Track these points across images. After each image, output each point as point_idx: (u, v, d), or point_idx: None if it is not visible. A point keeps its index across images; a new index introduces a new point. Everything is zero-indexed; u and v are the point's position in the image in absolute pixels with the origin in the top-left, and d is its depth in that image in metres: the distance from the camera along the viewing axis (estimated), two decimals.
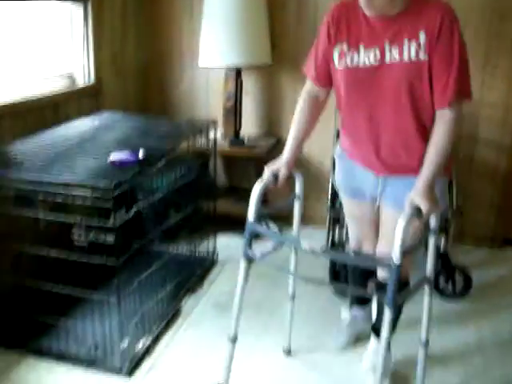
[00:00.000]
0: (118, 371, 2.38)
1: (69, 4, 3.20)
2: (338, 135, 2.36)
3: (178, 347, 2.58)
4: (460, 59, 1.75)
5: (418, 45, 1.75)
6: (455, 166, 3.10)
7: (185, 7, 3.77)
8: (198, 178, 3.22)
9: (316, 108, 2.13)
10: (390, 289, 1.69)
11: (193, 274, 3.14)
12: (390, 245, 1.70)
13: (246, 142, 3.65)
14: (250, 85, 3.76)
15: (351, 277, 2.47)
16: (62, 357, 2.45)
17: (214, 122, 3.31)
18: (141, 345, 2.53)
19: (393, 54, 1.79)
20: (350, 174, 2.17)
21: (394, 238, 1.68)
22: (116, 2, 3.56)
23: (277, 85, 3.73)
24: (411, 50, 1.76)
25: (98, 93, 3.42)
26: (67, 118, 3.11)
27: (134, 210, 2.40)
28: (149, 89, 3.98)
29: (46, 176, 2.24)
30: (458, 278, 2.98)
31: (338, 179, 2.26)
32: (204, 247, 3.34)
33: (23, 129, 2.81)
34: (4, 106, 2.72)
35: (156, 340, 2.61)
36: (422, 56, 1.75)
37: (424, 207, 1.72)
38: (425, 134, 1.88)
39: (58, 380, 2.35)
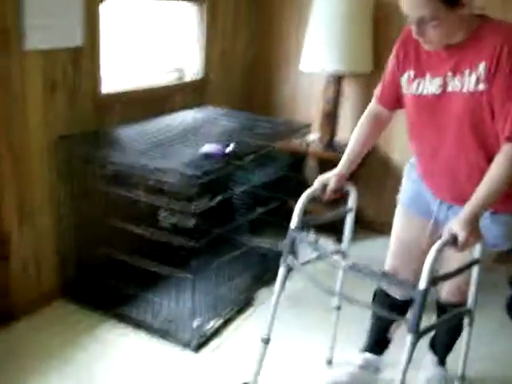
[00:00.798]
0: (186, 346, 2.57)
1: (185, 4, 3.44)
2: None
3: (245, 333, 2.73)
4: None
5: (478, 75, 1.70)
6: None
7: (294, 14, 3.91)
8: (288, 177, 3.35)
9: (377, 126, 2.12)
10: (414, 314, 1.64)
11: (270, 268, 3.28)
12: (458, 285, 1.82)
13: (340, 146, 3.73)
14: (349, 91, 3.84)
15: (376, 317, 2.37)
16: (138, 325, 2.69)
17: (310, 125, 3.43)
18: (211, 325, 2.70)
19: (455, 84, 1.76)
20: (416, 190, 2.11)
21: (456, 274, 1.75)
22: (229, 4, 3.77)
23: None
24: (471, 80, 1.71)
25: (204, 87, 3.65)
26: (173, 109, 3.37)
27: (217, 198, 2.58)
28: (253, 87, 4.17)
29: (142, 160, 2.49)
30: None
31: (403, 193, 2.20)
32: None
33: (132, 116, 3.09)
34: (117, 93, 3.01)
35: (225, 323, 2.78)
36: (482, 87, 1.70)
37: (461, 236, 1.65)
38: (487, 165, 1.79)
39: (132, 344, 2.59)
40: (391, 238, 2.24)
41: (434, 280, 1.64)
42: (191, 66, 3.59)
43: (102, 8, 2.76)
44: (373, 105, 2.11)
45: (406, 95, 1.93)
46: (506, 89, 1.66)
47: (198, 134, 2.96)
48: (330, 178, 2.05)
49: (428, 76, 1.83)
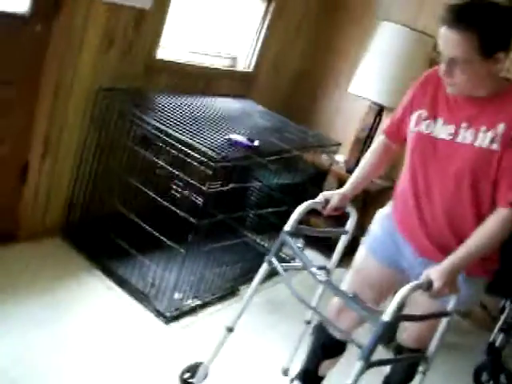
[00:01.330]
0: (160, 314, 2.67)
1: None
2: None
3: (219, 319, 2.79)
4: None
5: (494, 134, 1.70)
6: None
7: (356, 36, 3.98)
8: (306, 187, 3.43)
9: (385, 157, 2.13)
10: (370, 342, 1.63)
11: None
12: (419, 332, 1.87)
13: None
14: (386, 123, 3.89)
15: (311, 348, 2.32)
16: (123, 281, 2.79)
17: (340, 145, 3.51)
18: (189, 302, 2.79)
19: (466, 136, 1.75)
20: (386, 237, 2.06)
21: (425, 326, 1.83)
22: (298, 7, 3.86)
23: None
24: (486, 138, 1.71)
25: (251, 81, 3.76)
26: (217, 93, 3.47)
27: (230, 185, 2.67)
28: (297, 95, 4.25)
29: (173, 130, 2.60)
30: (502, 379, 2.93)
31: (370, 237, 2.14)
32: (285, 250, 3.53)
33: (178, 87, 3.20)
34: (170, 61, 3.12)
35: (204, 305, 2.87)
36: (495, 147, 1.70)
37: (436, 285, 1.66)
38: (473, 224, 1.79)
39: (111, 298, 2.70)
40: (350, 271, 2.19)
41: (399, 317, 1.65)
42: (244, 57, 3.69)
43: None
44: (382, 137, 2.12)
45: (412, 132, 1.90)
46: None
47: (231, 123, 3.06)
48: (334, 195, 2.07)
49: (440, 121, 1.82)
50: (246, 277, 3.18)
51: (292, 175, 3.44)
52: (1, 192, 2.68)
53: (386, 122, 2.13)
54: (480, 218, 1.77)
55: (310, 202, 2.03)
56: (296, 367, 2.48)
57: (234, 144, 2.67)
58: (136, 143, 2.80)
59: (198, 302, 2.85)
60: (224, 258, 3.06)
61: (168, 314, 2.66)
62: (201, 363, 2.21)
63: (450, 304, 1.82)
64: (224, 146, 2.62)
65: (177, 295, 2.73)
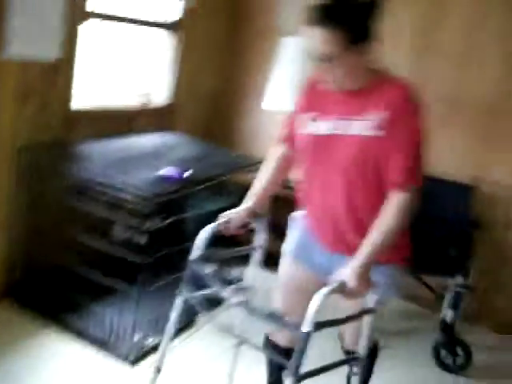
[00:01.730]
0: (124, 358, 2.67)
1: (159, 34, 3.62)
2: None
3: (183, 352, 2.84)
4: (414, 144, 1.76)
5: (375, 122, 1.75)
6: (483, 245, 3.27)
7: (264, 51, 4.10)
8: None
9: (287, 164, 2.11)
10: (295, 357, 1.60)
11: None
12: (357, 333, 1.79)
13: (294, 184, 3.89)
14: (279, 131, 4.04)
15: (268, 367, 2.29)
16: (80, 333, 2.77)
17: (261, 162, 3.60)
18: (150, 340, 2.80)
19: (350, 127, 1.80)
20: (301, 239, 2.09)
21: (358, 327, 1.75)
22: (204, 36, 3.95)
23: None
24: (368, 126, 1.77)
25: (169, 113, 3.81)
26: (138, 131, 3.51)
27: (169, 219, 2.71)
28: (217, 117, 4.34)
29: (101, 176, 2.62)
30: (460, 352, 3.09)
31: (289, 242, 2.14)
32: (233, 273, 3.59)
33: (97, 133, 3.21)
34: (85, 109, 3.14)
35: None
36: (378, 133, 1.75)
37: (350, 284, 1.67)
38: (375, 212, 1.80)
39: (71, 352, 2.67)
40: (279, 287, 2.18)
41: (319, 325, 1.61)
42: (158, 91, 3.74)
43: (81, 28, 2.90)
44: (278, 145, 2.12)
45: (301, 135, 1.94)
46: (401, 140, 1.75)
47: (157, 158, 3.10)
48: (233, 213, 2.03)
49: (324, 118, 1.87)
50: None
51: (225, 198, 3.51)
52: None
53: (278, 131, 2.13)
54: (376, 207, 1.79)
55: (211, 225, 1.98)
56: None
57: (164, 179, 2.72)
58: (67, 195, 2.80)
59: (160, 339, 2.85)
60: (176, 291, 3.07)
61: (132, 357, 2.66)
62: None
63: (370, 300, 1.80)
64: (155, 183, 2.66)
65: (136, 337, 2.73)
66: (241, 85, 4.25)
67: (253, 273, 2.24)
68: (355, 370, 1.92)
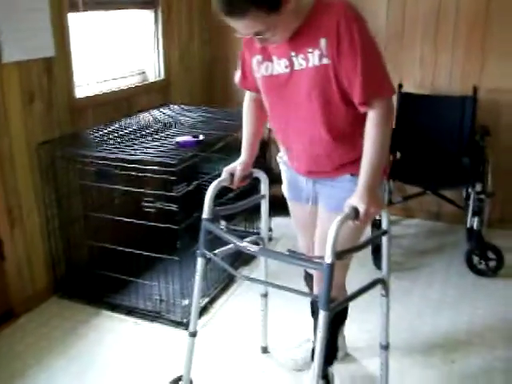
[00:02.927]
0: (178, 325, 2.78)
1: (141, 11, 3.65)
2: None
3: (230, 309, 2.95)
4: (364, 57, 1.68)
5: (320, 51, 1.72)
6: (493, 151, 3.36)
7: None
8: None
9: (260, 107, 2.07)
10: (323, 290, 1.64)
11: None
12: (323, 247, 1.68)
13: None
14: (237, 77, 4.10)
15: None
16: (131, 310, 2.88)
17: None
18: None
19: (300, 62, 1.78)
20: (290, 177, 2.16)
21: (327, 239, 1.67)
22: (182, 7, 3.98)
23: None
24: (315, 57, 1.74)
25: (167, 87, 3.86)
26: (141, 109, 3.57)
27: (194, 183, 2.79)
28: (212, 84, 4.40)
29: (122, 154, 2.69)
30: (492, 256, 3.21)
31: (284, 184, 2.22)
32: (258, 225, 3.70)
33: (103, 117, 3.28)
34: (88, 97, 3.20)
35: (212, 301, 3.00)
36: (325, 60, 1.72)
37: (361, 208, 1.69)
38: (341, 138, 1.86)
39: (128, 329, 2.78)
40: (294, 226, 2.30)
41: (340, 254, 1.64)
42: (153, 68, 3.79)
43: (69, 20, 2.94)
44: (246, 93, 2.14)
45: (258, 78, 1.94)
46: (350, 58, 1.69)
47: (167, 129, 3.18)
48: (236, 167, 2.10)
49: (275, 58, 1.84)
50: (238, 261, 3.34)
51: (237, 157, 3.58)
52: None
53: (236, 77, 2.11)
54: (347, 132, 1.84)
55: (216, 182, 2.05)
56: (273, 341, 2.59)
57: (182, 145, 2.79)
58: (92, 180, 2.88)
59: (207, 300, 2.97)
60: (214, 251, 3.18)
61: (185, 321, 2.77)
62: (181, 376, 2.25)
63: (384, 222, 1.88)
64: (174, 151, 2.74)
65: (186, 301, 2.84)
66: (231, 49, 4.28)
67: (265, 221, 2.33)
68: (382, 292, 1.99)
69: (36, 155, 2.83)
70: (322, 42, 1.71)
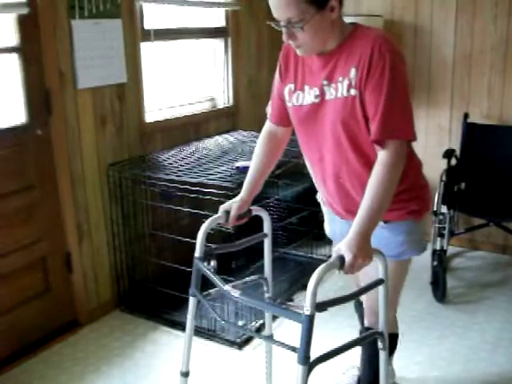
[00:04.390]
0: (232, 344, 2.85)
1: (212, 40, 3.83)
2: None
3: (283, 331, 2.99)
4: (389, 95, 1.61)
5: (350, 80, 1.66)
6: None
7: None
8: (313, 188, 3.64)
9: (274, 145, 2.01)
10: (301, 342, 1.46)
11: (306, 273, 3.54)
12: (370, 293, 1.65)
13: None
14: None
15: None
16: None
17: None
18: (252, 324, 2.98)
19: (331, 92, 1.71)
20: (329, 216, 2.08)
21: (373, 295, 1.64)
22: (252, 36, 4.12)
23: None
24: (344, 87, 1.67)
25: (234, 114, 4.00)
26: (208, 134, 3.72)
27: (253, 206, 2.87)
28: None
29: (185, 176, 2.82)
30: None
31: (325, 221, 2.15)
32: (322, 251, 3.74)
33: (171, 141, 3.44)
34: (157, 122, 3.37)
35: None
36: (353, 92, 1.65)
37: (348, 258, 1.51)
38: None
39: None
40: None
41: (321, 306, 1.47)
42: (221, 95, 3.94)
43: (141, 48, 3.14)
44: (267, 124, 2.03)
45: (289, 108, 1.86)
46: (376, 93, 1.62)
47: (231, 154, 3.29)
48: (233, 204, 1.96)
49: (307, 88, 1.78)
50: (295, 286, 3.38)
51: (300, 182, 3.65)
52: (55, 285, 2.90)
53: (267, 108, 2.04)
54: (371, 167, 1.69)
55: (210, 219, 1.93)
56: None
57: (242, 170, 2.89)
58: (157, 201, 3.03)
59: (261, 321, 3.02)
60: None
61: (239, 341, 2.84)
62: None
63: (381, 270, 1.66)
64: (235, 175, 2.84)
65: (240, 322, 2.91)
66: None
67: (268, 262, 2.12)
68: (380, 345, 1.75)
69: (105, 175, 3.02)
70: (352, 71, 1.66)
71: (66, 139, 2.80)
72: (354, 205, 1.73)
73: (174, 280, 3.06)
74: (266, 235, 2.07)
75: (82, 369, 2.68)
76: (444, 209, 3.31)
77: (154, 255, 3.14)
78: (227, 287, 1.72)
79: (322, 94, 1.74)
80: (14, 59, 2.61)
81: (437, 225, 3.34)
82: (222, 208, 1.96)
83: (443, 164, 3.43)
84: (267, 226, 2.07)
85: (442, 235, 3.32)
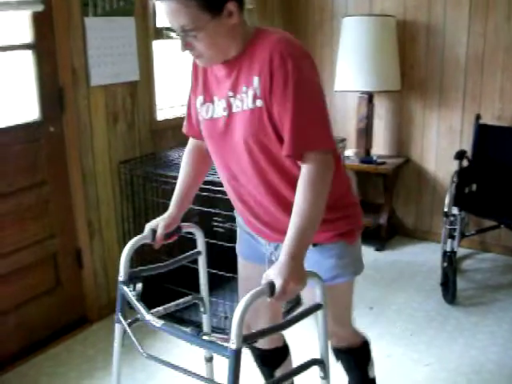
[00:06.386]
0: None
1: None
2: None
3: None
4: (297, 106, 1.44)
5: (254, 90, 1.48)
6: None
7: (325, 40, 4.24)
8: None
9: (200, 157, 1.84)
10: (228, 380, 1.35)
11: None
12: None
13: (375, 160, 3.99)
14: (380, 108, 4.12)
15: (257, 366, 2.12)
16: (198, 325, 2.95)
17: (345, 140, 3.73)
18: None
19: (237, 104, 1.53)
20: (245, 235, 1.88)
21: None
22: None
23: (406, 109, 4.05)
24: (249, 97, 1.50)
25: None
26: None
27: None
28: None
29: None
30: None
31: (238, 241, 1.96)
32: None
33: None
34: (168, 120, 3.39)
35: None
36: (259, 103, 1.48)
37: (278, 284, 1.36)
38: (295, 186, 1.51)
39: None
40: (239, 288, 2.03)
41: (248, 338, 1.37)
42: None
43: (154, 47, 3.15)
44: (190, 139, 1.88)
45: (201, 122, 1.69)
46: (282, 103, 1.45)
47: None
48: (160, 222, 1.80)
49: (216, 99, 1.61)
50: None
51: None
52: (66, 281, 2.92)
53: (184, 123, 1.86)
54: (294, 181, 1.52)
55: (135, 239, 1.78)
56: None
57: None
58: (167, 199, 3.03)
59: None
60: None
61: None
62: None
63: (318, 295, 1.49)
64: None
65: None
66: None
67: (205, 282, 2.04)
68: (321, 374, 1.54)
69: (117, 172, 3.03)
70: (255, 80, 1.48)
71: (79, 136, 2.82)
72: (279, 224, 1.62)
73: (183, 278, 3.06)
74: (199, 253, 1.97)
75: (92, 366, 2.70)
76: (455, 210, 3.30)
77: (164, 253, 3.14)
78: (149, 317, 1.60)
79: (229, 106, 1.56)
80: (29, 56, 2.63)
81: (447, 226, 3.33)
82: (148, 226, 1.82)
83: (454, 165, 3.42)
84: (200, 243, 1.96)
85: (452, 237, 3.30)
